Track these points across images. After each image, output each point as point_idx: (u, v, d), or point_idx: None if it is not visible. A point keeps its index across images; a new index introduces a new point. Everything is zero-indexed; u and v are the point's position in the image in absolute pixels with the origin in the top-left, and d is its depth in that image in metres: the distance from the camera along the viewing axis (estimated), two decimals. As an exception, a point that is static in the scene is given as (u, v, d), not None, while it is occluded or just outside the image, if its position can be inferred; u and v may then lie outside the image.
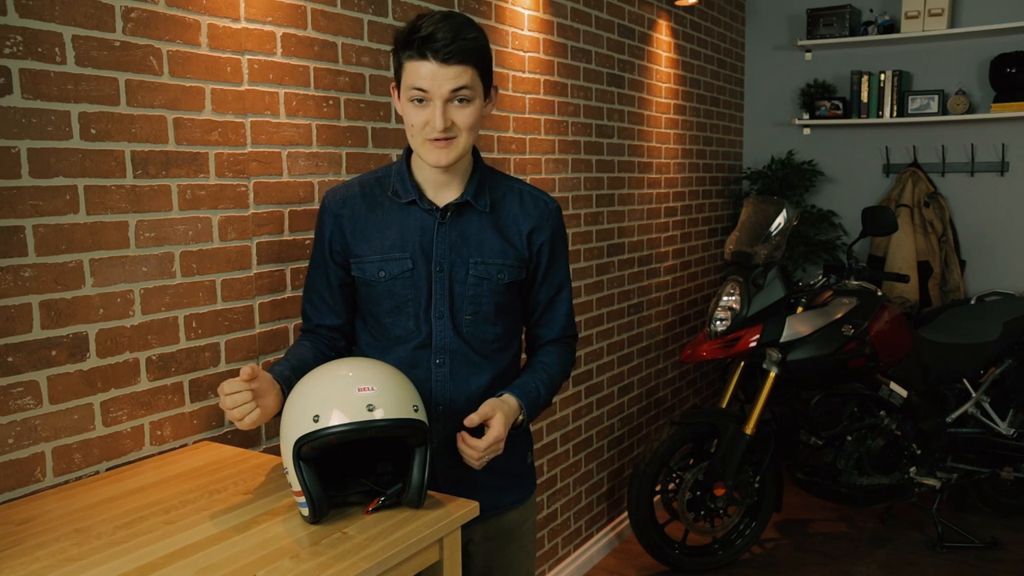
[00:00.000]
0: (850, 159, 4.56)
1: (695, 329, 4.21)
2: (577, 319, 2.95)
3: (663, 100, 3.80)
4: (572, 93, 3.11)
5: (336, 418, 1.31)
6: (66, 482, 1.56)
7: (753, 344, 3.12)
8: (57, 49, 1.50)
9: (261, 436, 1.96)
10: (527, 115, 2.85)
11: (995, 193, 4.25)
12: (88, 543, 1.29)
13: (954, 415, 3.49)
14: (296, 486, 1.34)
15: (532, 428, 2.82)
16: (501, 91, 2.71)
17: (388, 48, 2.22)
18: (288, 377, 1.48)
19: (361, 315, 1.70)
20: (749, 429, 3.16)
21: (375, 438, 1.38)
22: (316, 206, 2.03)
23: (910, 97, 4.25)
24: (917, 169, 4.32)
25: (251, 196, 1.89)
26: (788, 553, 3.49)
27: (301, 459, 1.32)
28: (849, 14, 4.34)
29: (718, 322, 3.20)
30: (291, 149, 1.98)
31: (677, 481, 3.25)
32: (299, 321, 1.99)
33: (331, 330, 1.70)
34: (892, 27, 4.28)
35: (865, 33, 4.34)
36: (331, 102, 2.08)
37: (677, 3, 3.80)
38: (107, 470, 1.63)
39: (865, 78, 4.33)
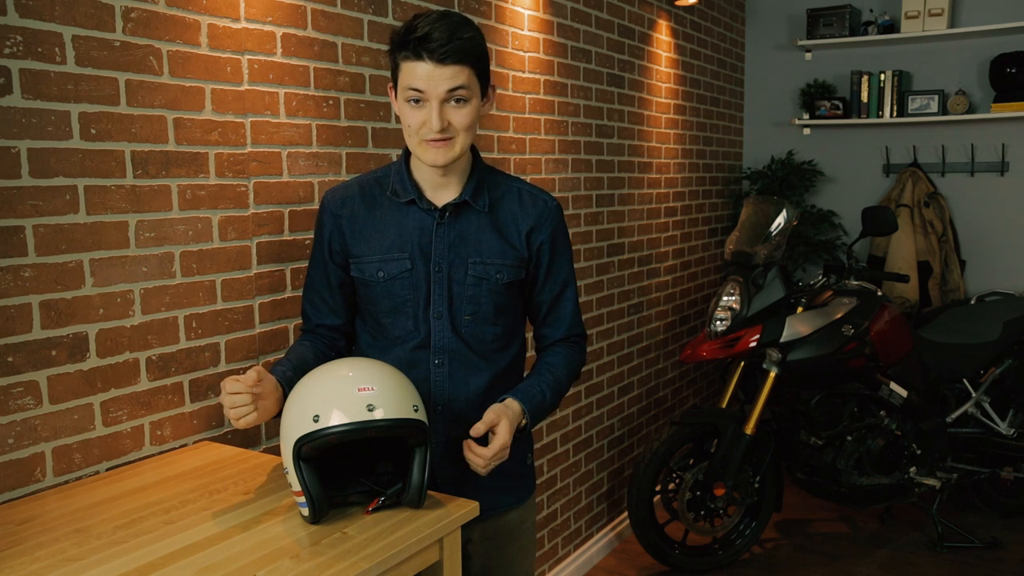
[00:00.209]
0: (850, 159, 4.56)
1: (695, 329, 4.21)
2: (577, 319, 2.94)
3: (663, 100, 3.80)
4: (572, 93, 3.11)
5: (336, 418, 1.31)
6: (66, 482, 1.56)
7: (753, 344, 3.12)
8: (57, 49, 1.50)
9: (261, 436, 1.96)
10: (527, 115, 2.85)
11: (995, 193, 4.25)
12: (88, 543, 1.30)
13: (954, 415, 3.49)
14: (296, 486, 1.34)
15: (532, 429, 2.81)
16: (501, 91, 2.71)
17: (388, 48, 2.22)
18: (290, 378, 1.48)
19: (361, 315, 1.70)
20: (749, 429, 3.16)
21: (375, 438, 1.38)
22: (316, 206, 2.03)
23: (910, 97, 4.25)
24: (917, 169, 4.32)
25: (251, 196, 1.89)
26: (788, 553, 3.49)
27: (301, 459, 1.32)
28: (849, 14, 4.34)
29: (718, 322, 3.20)
30: (291, 149, 1.98)
31: (677, 481, 3.25)
32: (299, 321, 1.99)
33: (331, 330, 1.70)
34: (892, 27, 4.28)
35: (865, 33, 4.34)
36: (331, 102, 2.08)
37: (677, 3, 3.80)
38: (107, 470, 1.63)
39: (865, 78, 4.33)
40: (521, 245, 1.64)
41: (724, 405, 3.33)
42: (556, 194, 3.01)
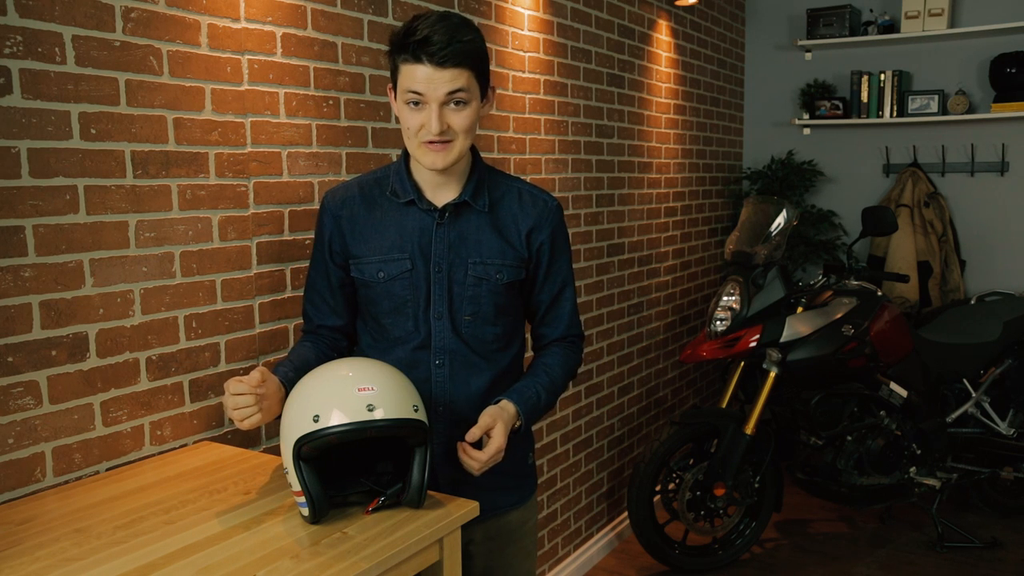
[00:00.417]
0: (850, 159, 4.56)
1: (695, 329, 4.21)
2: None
3: (663, 100, 3.80)
4: (572, 93, 3.11)
5: (336, 418, 1.31)
6: (66, 482, 1.56)
7: (753, 344, 3.12)
8: (57, 49, 1.50)
9: (261, 436, 1.96)
10: (527, 115, 2.85)
11: (995, 193, 4.25)
12: (88, 543, 1.30)
13: (954, 415, 3.49)
14: (296, 486, 1.34)
15: (532, 428, 2.81)
16: (501, 91, 2.71)
17: (387, 50, 2.22)
18: (292, 379, 1.48)
19: (361, 316, 1.70)
20: (749, 429, 3.16)
21: (375, 438, 1.38)
22: (316, 206, 2.03)
23: (910, 97, 4.25)
24: (917, 169, 4.32)
25: (251, 196, 1.89)
26: (788, 553, 3.49)
27: (301, 459, 1.32)
28: (849, 14, 4.34)
29: (718, 322, 3.20)
30: (291, 149, 1.98)
31: (677, 481, 3.25)
32: (299, 321, 1.99)
33: (333, 330, 1.70)
34: (892, 27, 4.28)
35: (865, 33, 4.34)
36: (331, 102, 2.08)
37: (677, 3, 3.80)
38: (107, 470, 1.63)
39: (865, 78, 4.33)
40: (521, 245, 1.64)
41: (724, 405, 3.33)
42: (556, 194, 3.01)
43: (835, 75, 4.53)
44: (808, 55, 4.58)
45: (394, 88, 1.52)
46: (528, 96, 2.86)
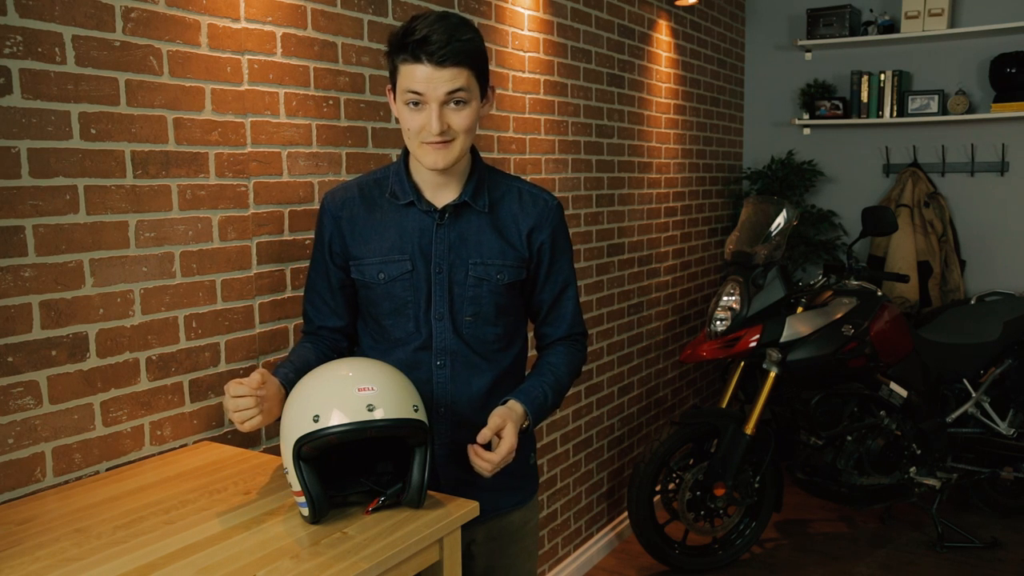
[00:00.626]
0: (850, 159, 4.56)
1: (695, 329, 4.21)
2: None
3: (663, 100, 3.80)
4: (572, 93, 3.11)
5: (336, 418, 1.31)
6: (66, 482, 1.56)
7: (753, 344, 3.12)
8: (57, 49, 1.50)
9: (261, 436, 1.96)
10: (527, 115, 2.85)
11: (995, 193, 4.25)
12: (88, 543, 1.30)
13: (954, 415, 3.49)
14: (296, 486, 1.34)
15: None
16: (501, 91, 2.71)
17: (386, 50, 2.22)
18: (292, 380, 1.48)
19: (362, 317, 1.70)
20: (749, 429, 3.16)
21: (375, 438, 1.38)
22: (316, 206, 2.03)
23: (910, 97, 4.25)
24: (917, 169, 4.32)
25: (251, 196, 1.89)
26: (788, 553, 3.49)
27: (301, 459, 1.32)
28: (849, 14, 4.34)
29: (718, 322, 3.20)
30: (291, 149, 1.98)
31: (677, 481, 3.25)
32: (299, 321, 1.99)
33: (333, 331, 1.70)
34: (892, 27, 4.28)
35: (865, 33, 4.34)
36: (331, 102, 2.08)
37: (677, 3, 3.80)
38: (107, 470, 1.63)
39: (865, 78, 4.33)
40: (522, 245, 1.63)
41: (724, 405, 3.33)
42: (556, 194, 3.01)
43: (835, 75, 4.53)
44: (808, 55, 4.58)
45: (393, 89, 1.52)
46: (528, 96, 2.86)
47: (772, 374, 3.18)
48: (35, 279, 1.49)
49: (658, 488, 3.25)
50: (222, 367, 1.85)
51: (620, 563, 3.44)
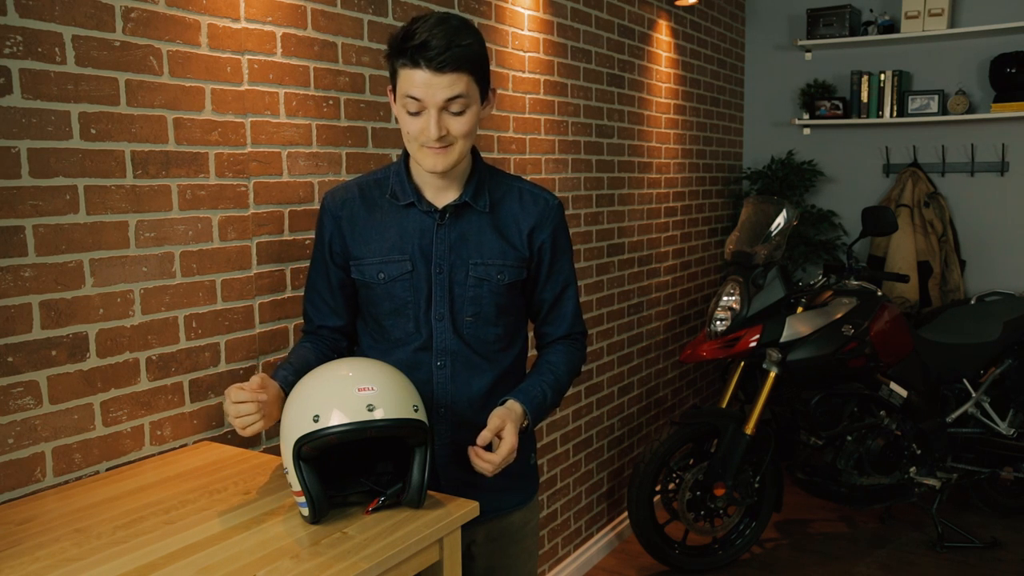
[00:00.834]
0: (850, 159, 4.56)
1: (695, 329, 4.21)
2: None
3: (663, 100, 3.80)
4: (572, 93, 3.11)
5: (336, 418, 1.31)
6: (66, 482, 1.56)
7: (753, 344, 3.12)
8: (57, 49, 1.50)
9: (261, 436, 1.96)
10: (527, 115, 2.85)
11: (995, 193, 4.25)
12: (88, 543, 1.29)
13: (954, 415, 3.49)
14: (296, 486, 1.34)
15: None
16: (501, 91, 2.71)
17: (386, 52, 2.22)
18: (292, 382, 1.48)
19: (362, 317, 1.70)
20: (749, 429, 3.16)
21: (375, 438, 1.38)
22: (316, 206, 2.03)
23: (910, 97, 4.25)
24: (917, 169, 4.32)
25: (251, 196, 1.89)
26: (788, 553, 3.49)
27: (301, 459, 1.32)
28: (849, 14, 4.34)
29: (718, 322, 3.20)
30: (291, 149, 1.98)
31: (677, 481, 3.25)
32: (299, 321, 1.99)
33: (333, 331, 1.70)
34: (892, 27, 4.28)
35: (865, 33, 4.34)
36: (331, 102, 2.08)
37: (677, 3, 3.80)
38: (107, 470, 1.63)
39: (865, 78, 4.33)
40: (522, 245, 1.63)
41: (724, 405, 3.33)
42: (556, 194, 3.01)
43: (835, 75, 4.53)
44: (808, 55, 4.58)
45: (394, 91, 1.52)
46: (528, 96, 2.86)
47: (772, 374, 3.18)
48: (35, 279, 1.49)
49: (658, 488, 3.25)
50: (222, 367, 1.85)
51: (620, 563, 3.44)
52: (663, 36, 3.76)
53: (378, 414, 1.31)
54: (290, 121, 1.97)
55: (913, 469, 3.39)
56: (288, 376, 1.52)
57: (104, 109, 1.58)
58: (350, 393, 1.32)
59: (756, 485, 3.26)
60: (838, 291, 3.27)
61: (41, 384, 1.51)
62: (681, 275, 4.07)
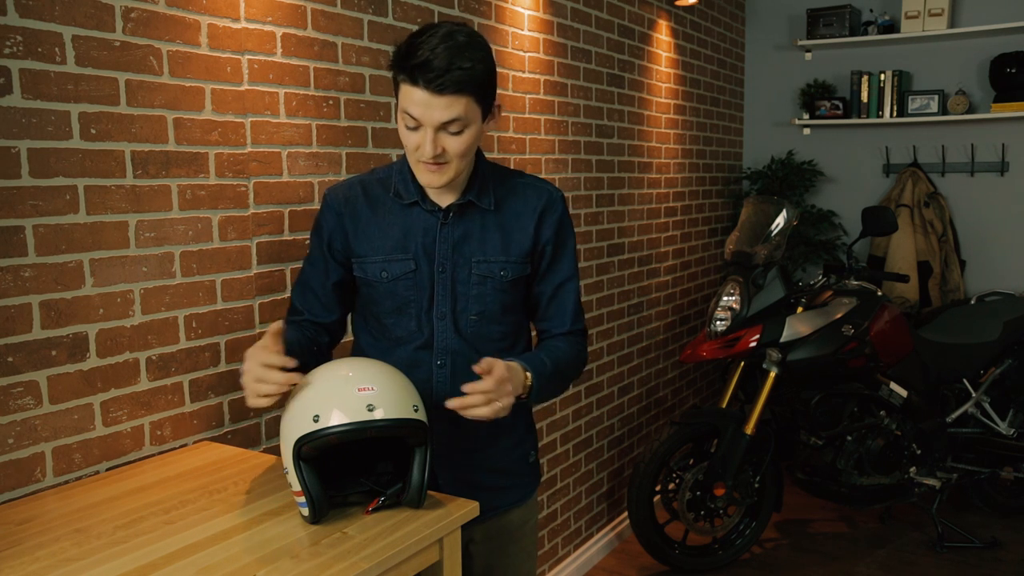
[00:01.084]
0: (850, 159, 4.56)
1: (695, 329, 4.21)
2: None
3: (663, 100, 3.80)
4: (572, 93, 3.11)
5: (336, 418, 1.30)
6: (66, 482, 1.56)
7: (753, 344, 3.12)
8: (57, 49, 1.50)
9: (261, 436, 1.96)
10: (527, 115, 2.85)
11: (995, 193, 4.25)
12: (88, 543, 1.29)
13: (954, 415, 3.49)
14: (296, 486, 1.34)
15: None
16: (501, 91, 2.71)
17: (388, 48, 2.22)
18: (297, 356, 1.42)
19: (362, 315, 1.69)
20: (749, 429, 3.16)
21: (375, 438, 1.38)
22: (316, 206, 2.03)
23: (910, 97, 4.25)
24: (917, 169, 4.32)
25: (251, 196, 1.89)
26: (788, 553, 3.49)
27: (301, 459, 1.32)
28: (849, 14, 4.34)
29: (718, 322, 3.20)
30: (291, 149, 1.98)
31: (677, 481, 3.25)
32: (299, 321, 1.99)
33: (317, 325, 1.67)
34: (892, 27, 4.28)
35: (865, 33, 4.34)
36: (331, 102, 2.08)
37: (677, 3, 3.80)
38: (107, 470, 1.63)
39: (865, 78, 4.33)
40: (526, 240, 1.62)
41: (724, 405, 3.33)
42: (556, 194, 3.01)
43: (835, 75, 4.53)
44: (808, 55, 4.58)
45: (396, 99, 1.51)
46: (528, 96, 2.86)
47: (772, 374, 3.18)
48: (35, 279, 1.49)
49: (658, 488, 3.25)
50: (222, 367, 1.85)
51: (620, 563, 3.44)
52: (663, 36, 3.76)
53: (378, 414, 1.31)
54: (290, 121, 1.97)
55: (913, 469, 3.39)
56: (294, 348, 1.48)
57: (104, 109, 1.58)
58: (350, 393, 1.32)
59: (756, 485, 3.26)
60: (838, 291, 3.27)
61: (41, 384, 1.51)
62: (681, 275, 4.07)
